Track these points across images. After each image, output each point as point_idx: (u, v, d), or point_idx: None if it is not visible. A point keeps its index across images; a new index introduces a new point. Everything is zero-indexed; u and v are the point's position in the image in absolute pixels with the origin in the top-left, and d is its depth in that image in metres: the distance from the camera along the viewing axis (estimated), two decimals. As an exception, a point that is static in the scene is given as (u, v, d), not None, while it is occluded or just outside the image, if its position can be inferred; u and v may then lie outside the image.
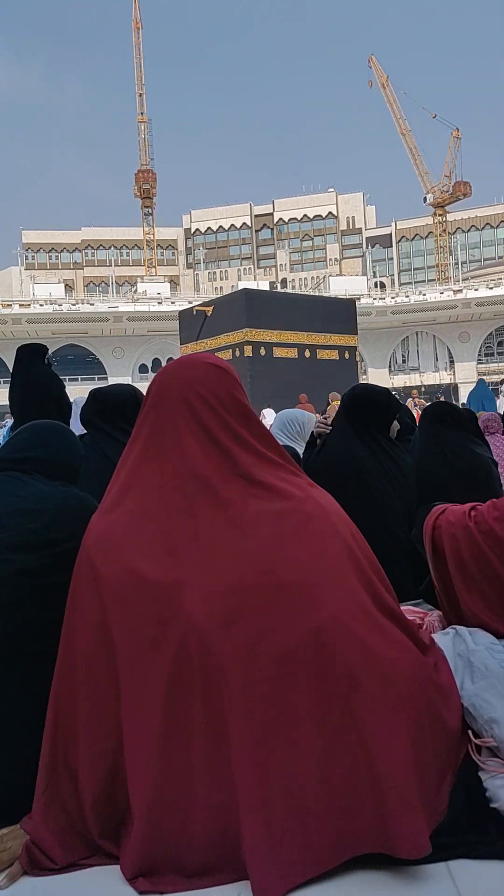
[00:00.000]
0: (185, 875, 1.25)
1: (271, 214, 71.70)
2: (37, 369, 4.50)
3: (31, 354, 4.56)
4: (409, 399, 18.28)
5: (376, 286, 56.50)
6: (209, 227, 70.98)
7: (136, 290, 52.92)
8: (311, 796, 1.26)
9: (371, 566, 1.51)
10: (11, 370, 4.52)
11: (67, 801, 1.36)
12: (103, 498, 1.52)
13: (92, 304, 46.94)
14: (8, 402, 4.59)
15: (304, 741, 1.29)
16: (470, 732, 1.54)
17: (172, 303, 45.41)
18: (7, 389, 4.58)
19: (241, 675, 1.29)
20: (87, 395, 2.97)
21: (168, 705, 1.29)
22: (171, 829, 1.27)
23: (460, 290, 46.94)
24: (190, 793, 1.28)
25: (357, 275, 60.30)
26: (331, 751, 1.29)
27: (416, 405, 16.13)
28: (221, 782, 1.27)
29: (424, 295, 47.78)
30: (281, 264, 70.16)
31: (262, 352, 16.55)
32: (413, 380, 47.29)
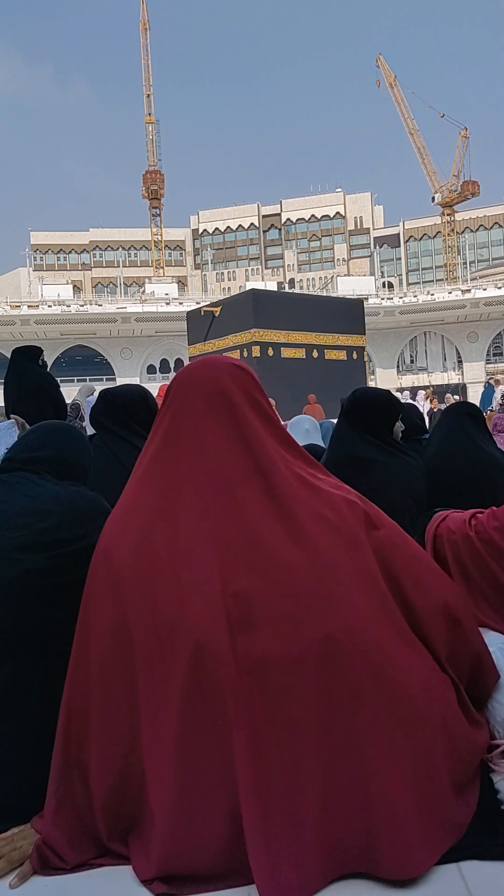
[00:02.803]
0: (202, 879, 1.25)
1: (279, 215, 71.69)
2: (30, 371, 4.54)
3: (24, 356, 4.61)
4: (422, 392, 18.02)
5: (384, 286, 56.33)
6: (217, 228, 71.03)
7: (143, 291, 53.03)
8: (307, 812, 1.24)
9: (396, 576, 1.46)
10: (6, 373, 4.57)
11: (79, 801, 1.35)
12: (120, 497, 1.51)
13: (100, 305, 47.04)
14: (3, 404, 4.64)
15: (305, 756, 1.26)
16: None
17: (180, 303, 45.44)
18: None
19: (247, 683, 1.27)
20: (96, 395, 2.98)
21: (184, 709, 1.28)
22: (192, 833, 1.26)
23: (468, 290, 46.75)
24: (208, 797, 1.26)
25: (365, 275, 60.23)
26: (330, 768, 1.26)
27: (428, 399, 16.01)
28: (232, 787, 1.26)
29: (433, 295, 47.62)
30: (289, 264, 70.10)
31: (270, 352, 16.54)
32: (421, 380, 47.10)
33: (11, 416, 4.00)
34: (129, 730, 1.33)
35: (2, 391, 4.49)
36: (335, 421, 2.97)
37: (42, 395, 4.40)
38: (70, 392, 4.83)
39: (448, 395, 18.98)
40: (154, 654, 1.31)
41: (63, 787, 1.37)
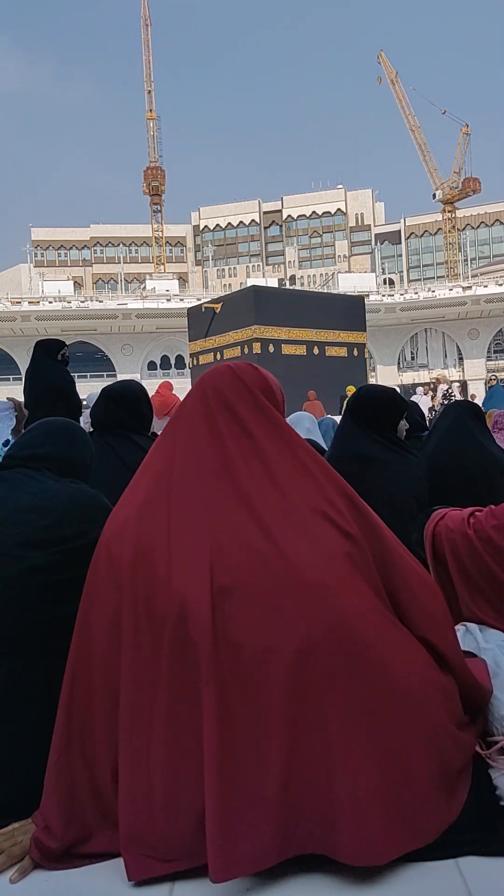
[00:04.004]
0: (180, 854, 1.26)
1: (280, 211, 71.67)
2: (46, 367, 4.54)
3: (43, 351, 4.61)
4: (437, 388, 17.86)
5: (385, 283, 56.25)
6: (218, 224, 70.99)
7: (144, 287, 52.92)
8: (268, 789, 1.25)
9: (394, 582, 1.46)
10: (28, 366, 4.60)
11: (78, 774, 1.37)
12: (123, 493, 1.53)
13: (101, 302, 46.96)
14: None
15: (269, 735, 1.28)
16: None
17: (181, 300, 45.34)
18: (15, 386, 4.67)
19: (219, 664, 1.29)
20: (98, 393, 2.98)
21: (169, 687, 1.31)
22: (171, 805, 1.28)
23: (469, 287, 46.64)
24: (189, 773, 1.28)
25: (366, 271, 60.11)
26: (293, 750, 1.28)
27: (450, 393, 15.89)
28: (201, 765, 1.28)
29: (433, 292, 47.51)
30: (289, 261, 70.07)
31: (271, 349, 16.51)
32: (422, 377, 47.04)
33: (7, 397, 4.01)
34: None
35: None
36: (334, 417, 2.98)
37: (54, 392, 4.40)
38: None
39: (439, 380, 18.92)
40: (145, 638, 1.34)
41: (63, 758, 1.38)
